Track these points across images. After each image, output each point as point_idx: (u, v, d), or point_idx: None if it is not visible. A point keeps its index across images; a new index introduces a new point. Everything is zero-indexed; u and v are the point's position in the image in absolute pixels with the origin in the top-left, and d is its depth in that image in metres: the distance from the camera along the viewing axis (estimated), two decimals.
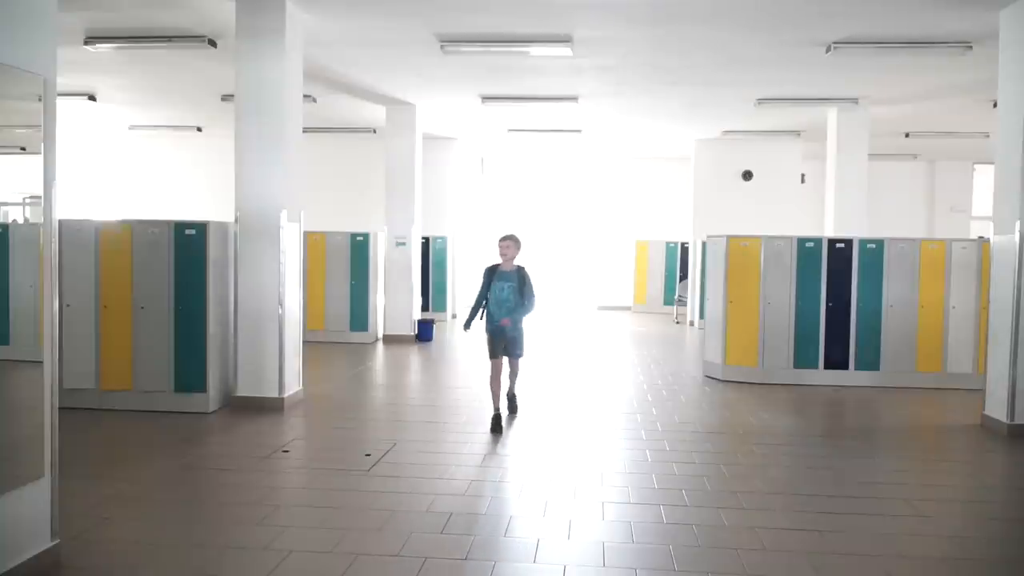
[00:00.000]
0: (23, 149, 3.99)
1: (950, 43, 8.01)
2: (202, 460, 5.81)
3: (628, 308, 17.68)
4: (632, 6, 7.18)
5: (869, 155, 11.82)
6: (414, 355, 10.90)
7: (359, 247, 11.87)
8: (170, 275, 6.96)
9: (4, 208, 12.01)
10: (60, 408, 3.87)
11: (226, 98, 11.31)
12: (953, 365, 8.70)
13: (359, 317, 11.86)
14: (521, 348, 6.76)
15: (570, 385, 8.76)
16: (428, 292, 14.34)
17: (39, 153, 3.73)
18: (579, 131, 13.91)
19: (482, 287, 6.66)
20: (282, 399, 7.20)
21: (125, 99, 12.09)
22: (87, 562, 3.87)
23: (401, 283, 12.13)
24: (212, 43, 8.27)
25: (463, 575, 3.81)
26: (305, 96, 9.71)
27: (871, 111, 11.50)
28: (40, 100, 3.69)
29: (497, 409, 6.60)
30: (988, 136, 13.13)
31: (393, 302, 12.18)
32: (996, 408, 6.77)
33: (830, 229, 11.77)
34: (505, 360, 6.79)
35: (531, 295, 6.58)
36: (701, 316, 13.34)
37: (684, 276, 16.34)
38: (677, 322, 15.65)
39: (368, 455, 5.72)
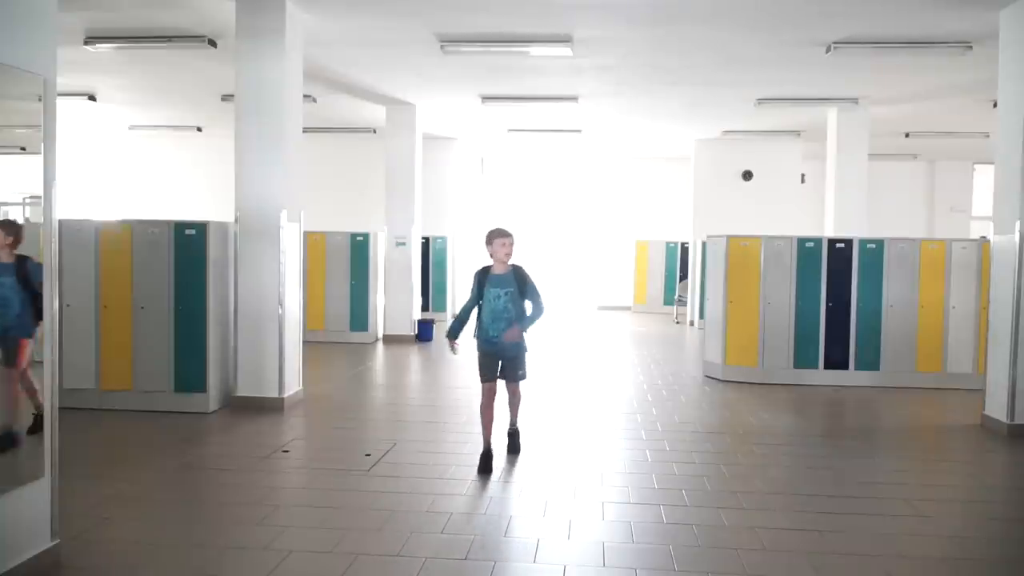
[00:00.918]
0: (23, 149, 3.99)
1: (950, 43, 8.01)
2: (202, 460, 5.81)
3: (628, 308, 17.68)
4: (632, 6, 7.18)
5: (869, 155, 11.82)
6: (414, 355, 10.90)
7: (359, 247, 11.87)
8: (170, 275, 6.96)
9: (4, 208, 12.00)
10: (60, 408, 3.87)
11: (226, 98, 11.31)
12: (953, 365, 8.70)
13: (359, 317, 11.86)
14: (524, 368, 5.55)
15: (570, 385, 8.76)
16: (428, 292, 14.35)
17: (39, 153, 3.73)
18: (579, 131, 13.91)
19: (472, 295, 5.48)
20: (282, 399, 7.20)
21: (125, 99, 12.09)
22: (87, 562, 3.87)
23: (401, 283, 12.13)
24: (212, 43, 8.27)
25: (463, 575, 3.81)
26: (305, 96, 9.71)
27: (871, 111, 11.50)
28: (40, 100, 3.69)
29: (488, 445, 5.44)
30: (988, 136, 13.13)
31: (393, 302, 12.18)
32: (996, 408, 6.77)
33: (830, 229, 11.77)
34: (501, 384, 5.55)
35: (538, 299, 5.46)
36: (701, 316, 13.34)
37: (684, 276, 16.34)
38: (677, 322, 15.65)
39: (368, 455, 5.72)
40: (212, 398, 7.03)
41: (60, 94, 3.95)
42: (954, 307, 8.71)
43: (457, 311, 5.69)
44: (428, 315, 13.68)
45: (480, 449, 5.47)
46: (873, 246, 8.81)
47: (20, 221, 4.37)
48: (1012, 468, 6.12)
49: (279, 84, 7.19)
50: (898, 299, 8.73)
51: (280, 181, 7.22)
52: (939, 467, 6.04)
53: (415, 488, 5.03)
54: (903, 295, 8.73)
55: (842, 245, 8.84)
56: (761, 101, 11.08)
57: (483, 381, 5.49)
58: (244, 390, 7.25)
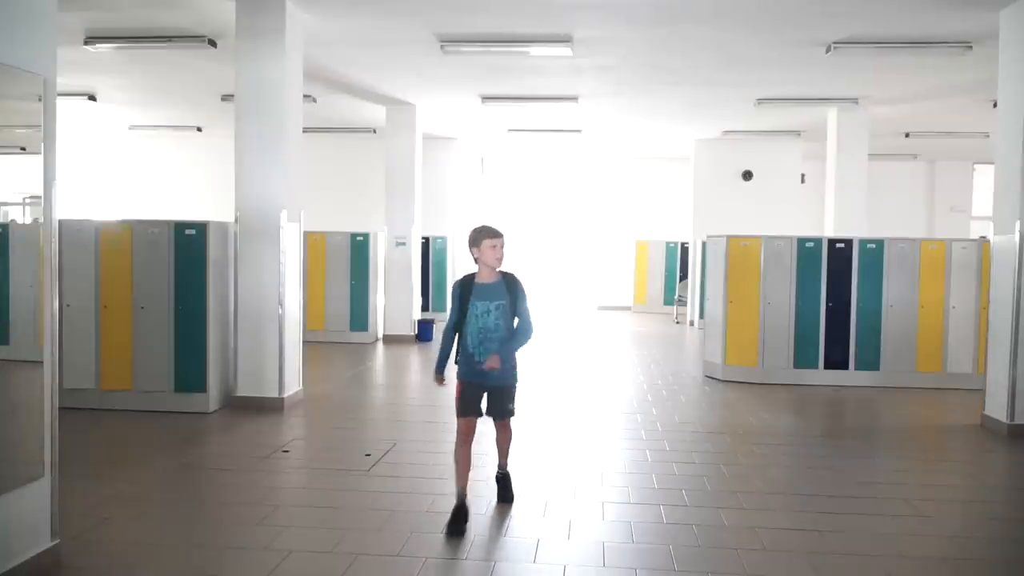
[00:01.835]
0: (23, 149, 3.99)
1: (950, 43, 8.01)
2: (202, 460, 5.81)
3: (628, 308, 17.68)
4: (632, 6, 7.17)
5: (869, 155, 11.82)
6: (414, 355, 10.89)
7: (359, 247, 11.87)
8: (170, 275, 6.95)
9: (4, 208, 12.00)
10: (60, 408, 3.88)
11: (226, 98, 11.30)
12: (953, 365, 8.69)
13: (359, 317, 11.86)
14: (513, 399, 4.57)
15: (570, 385, 8.76)
16: (428, 292, 14.35)
17: (39, 153, 3.73)
18: (579, 131, 13.91)
19: (453, 312, 4.46)
20: (282, 399, 7.20)
21: (125, 99, 12.09)
22: (87, 562, 3.87)
23: (401, 283, 12.13)
24: (212, 43, 8.26)
25: (463, 575, 3.81)
26: (305, 96, 9.71)
27: (871, 111, 11.50)
28: (40, 100, 3.69)
29: (463, 496, 4.34)
30: (988, 136, 13.13)
31: (393, 302, 12.18)
32: (996, 408, 6.77)
33: (830, 229, 11.77)
34: (484, 419, 4.55)
35: (527, 316, 4.47)
36: (701, 316, 13.33)
37: (684, 276, 16.34)
38: (677, 322, 15.65)
39: (368, 455, 5.72)
40: (212, 398, 7.03)
41: (60, 94, 3.95)
42: (954, 307, 8.71)
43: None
44: (428, 315, 13.68)
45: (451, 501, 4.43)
46: (873, 246, 8.81)
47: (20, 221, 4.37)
48: (1012, 468, 6.12)
49: (279, 84, 7.19)
50: (898, 299, 8.73)
51: (280, 181, 7.22)
52: (939, 467, 6.04)
53: (415, 488, 5.03)
54: (903, 295, 8.73)
55: (842, 245, 8.84)
56: (761, 101, 11.08)
57: (461, 415, 4.44)
58: (244, 390, 7.25)
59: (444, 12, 7.45)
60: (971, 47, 7.99)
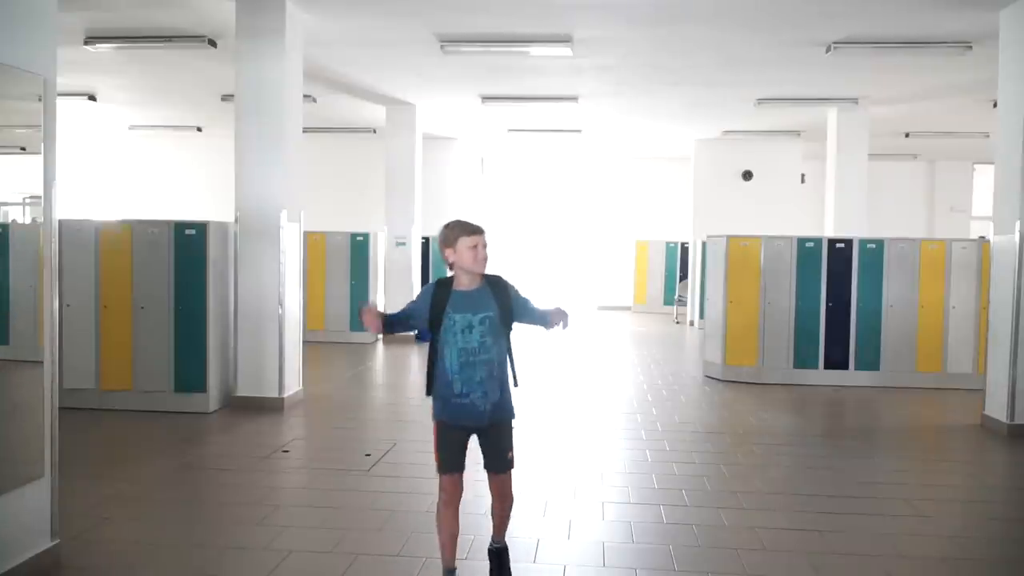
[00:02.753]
0: (23, 149, 3.99)
1: (950, 43, 8.00)
2: (202, 460, 5.81)
3: (628, 308, 17.68)
4: (632, 6, 7.17)
5: (869, 155, 11.81)
6: (414, 355, 10.89)
7: (359, 247, 11.87)
8: (170, 275, 6.95)
9: (4, 208, 12.00)
10: (60, 408, 3.88)
11: (226, 98, 11.30)
12: (953, 365, 8.69)
13: (359, 317, 11.83)
14: (511, 444, 3.52)
15: (570, 385, 8.76)
16: None
17: (39, 153, 3.73)
18: (579, 131, 13.91)
19: (414, 314, 3.60)
20: (282, 399, 7.20)
21: (125, 99, 12.08)
22: (87, 562, 3.87)
23: (401, 283, 12.13)
24: (212, 43, 8.26)
25: (463, 575, 3.80)
26: (305, 96, 9.70)
27: (871, 111, 11.50)
28: (40, 100, 3.69)
29: (451, 570, 3.58)
30: (988, 136, 13.13)
31: (393, 302, 12.16)
32: (996, 408, 6.77)
33: (830, 229, 11.76)
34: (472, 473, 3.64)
35: (534, 310, 3.53)
36: (701, 316, 13.33)
37: (684, 276, 16.33)
38: (677, 322, 15.65)
39: (368, 455, 5.72)
40: (212, 398, 7.03)
41: (60, 94, 3.94)
42: (954, 307, 8.71)
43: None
44: None
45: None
46: (873, 246, 8.81)
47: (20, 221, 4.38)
48: (1012, 468, 6.12)
49: (279, 84, 7.19)
50: (898, 299, 8.73)
51: (280, 181, 7.22)
52: (939, 467, 6.04)
53: (415, 488, 5.03)
54: (903, 295, 8.73)
55: (842, 245, 8.84)
56: (761, 101, 11.08)
57: (444, 471, 3.48)
58: (244, 390, 7.25)
59: (444, 12, 7.45)
60: (971, 47, 7.99)
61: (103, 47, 8.49)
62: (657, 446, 6.15)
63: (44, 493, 3.76)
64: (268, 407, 7.14)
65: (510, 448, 3.50)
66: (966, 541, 4.42)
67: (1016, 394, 6.55)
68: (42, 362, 3.74)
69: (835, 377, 8.75)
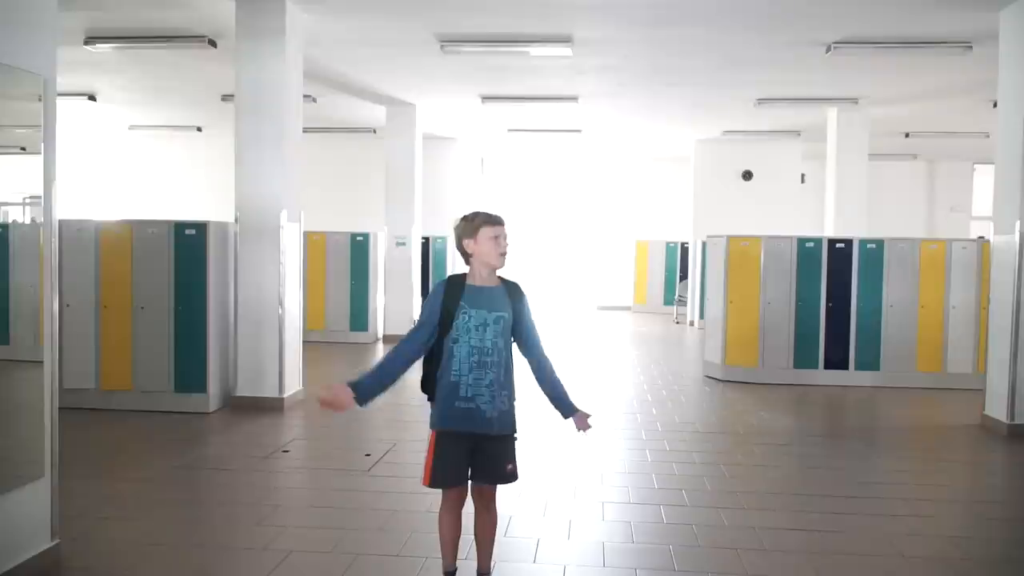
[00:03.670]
0: (23, 149, 3.99)
1: (950, 43, 8.01)
2: (202, 460, 5.81)
3: (628, 308, 17.68)
4: (632, 7, 7.18)
5: (869, 155, 11.83)
6: None
7: (359, 247, 11.87)
8: (170, 275, 6.95)
9: (4, 208, 12.01)
10: (60, 408, 3.87)
11: (226, 98, 11.30)
12: (953, 365, 8.69)
13: (359, 317, 11.86)
14: (512, 456, 3.33)
15: (570, 385, 8.73)
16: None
17: (39, 153, 3.73)
18: (579, 131, 13.91)
19: (427, 321, 3.25)
20: (282, 399, 7.20)
21: (125, 99, 12.08)
22: (87, 562, 3.87)
23: (401, 283, 12.13)
24: (212, 43, 8.26)
25: (463, 575, 3.80)
26: (305, 96, 9.71)
27: (871, 111, 11.50)
28: (40, 100, 3.69)
29: (452, 570, 3.48)
30: (988, 136, 13.12)
31: (393, 302, 12.18)
32: (996, 408, 6.77)
33: (830, 229, 11.77)
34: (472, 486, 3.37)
35: (536, 339, 3.39)
36: (701, 316, 13.33)
37: (684, 276, 16.34)
38: (677, 322, 15.65)
39: (368, 455, 5.72)
40: (212, 398, 7.02)
41: (60, 94, 3.94)
42: (954, 307, 8.71)
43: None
44: None
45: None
46: (873, 246, 8.81)
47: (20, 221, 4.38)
48: (1012, 468, 6.12)
49: (279, 84, 7.19)
50: (898, 299, 8.73)
51: (280, 181, 7.22)
52: (939, 467, 6.03)
53: (415, 488, 5.01)
54: (903, 295, 8.73)
55: (842, 245, 8.84)
56: (761, 101, 11.08)
57: (446, 484, 3.30)
58: (244, 390, 7.25)
59: (444, 12, 7.45)
60: (971, 47, 7.99)
61: (103, 47, 8.49)
62: (657, 446, 6.15)
63: (44, 493, 3.76)
64: (268, 407, 7.14)
65: (511, 461, 3.29)
66: (966, 541, 4.42)
67: (1016, 394, 6.55)
68: (42, 362, 3.74)
69: (835, 377, 8.74)
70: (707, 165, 15.21)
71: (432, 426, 3.25)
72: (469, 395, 3.15)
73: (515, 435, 3.35)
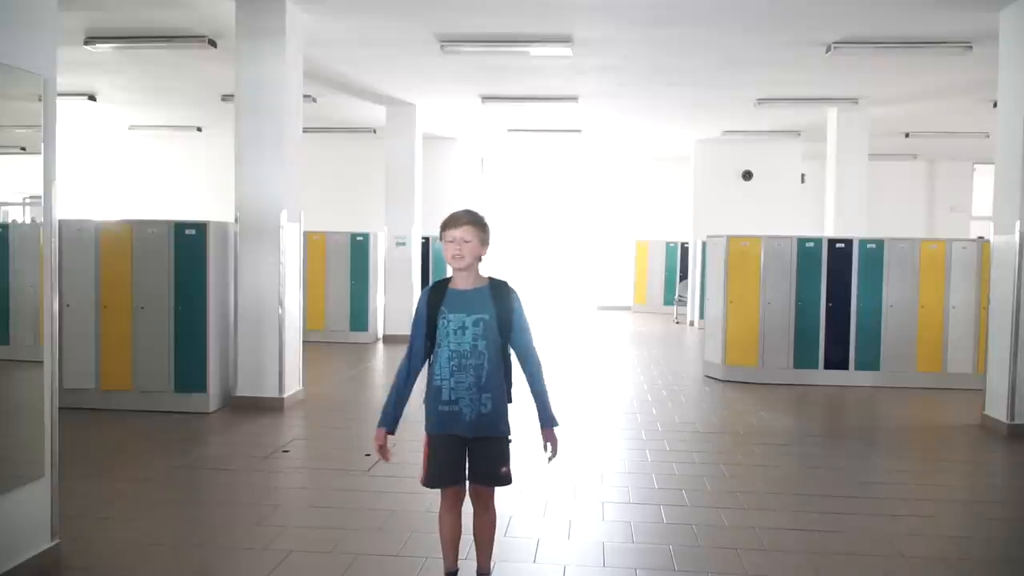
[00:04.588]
0: (23, 149, 3.99)
1: (950, 43, 8.01)
2: (202, 460, 5.81)
3: (628, 308, 17.68)
4: (632, 7, 7.18)
5: (869, 155, 11.83)
6: None
7: (359, 247, 11.87)
8: (170, 275, 6.95)
9: (4, 208, 12.01)
10: (60, 408, 3.87)
11: (226, 98, 11.30)
12: (953, 365, 8.69)
13: (359, 317, 11.86)
14: (507, 459, 3.37)
15: (570, 385, 8.75)
16: None
17: (39, 153, 3.73)
18: (579, 131, 13.91)
19: (416, 333, 3.30)
20: (282, 399, 7.20)
21: (125, 99, 12.08)
22: (87, 562, 3.87)
23: (401, 283, 12.13)
24: (212, 43, 8.26)
25: (463, 575, 3.80)
26: (305, 96, 9.71)
27: (871, 111, 11.51)
28: (40, 100, 3.69)
29: (454, 570, 3.50)
30: (988, 136, 13.12)
31: (393, 302, 12.18)
32: (996, 408, 6.77)
33: (830, 229, 11.77)
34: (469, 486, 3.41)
35: (528, 341, 3.34)
36: (701, 316, 13.33)
37: (684, 276, 16.33)
38: (677, 322, 15.65)
39: (368, 455, 5.72)
40: (212, 398, 7.03)
41: (60, 94, 3.94)
42: (954, 307, 8.71)
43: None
44: None
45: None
46: (873, 246, 8.81)
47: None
48: (1012, 468, 6.12)
49: (279, 84, 7.19)
50: (898, 299, 8.73)
51: (280, 181, 7.22)
52: (939, 467, 6.03)
53: (415, 488, 4.99)
54: (903, 295, 8.73)
55: (842, 245, 8.84)
56: (761, 101, 11.08)
57: (442, 484, 3.36)
58: (244, 390, 7.25)
59: (444, 12, 7.45)
60: (971, 47, 7.99)
61: (103, 47, 8.49)
62: (657, 446, 6.15)
63: (44, 493, 3.76)
64: (268, 407, 7.14)
65: (504, 464, 3.32)
66: (966, 541, 4.42)
67: (1016, 394, 6.55)
68: (42, 362, 3.74)
69: (835, 377, 8.74)
70: (707, 165, 15.21)
71: (427, 430, 3.34)
72: (452, 398, 3.22)
73: (509, 437, 3.36)
